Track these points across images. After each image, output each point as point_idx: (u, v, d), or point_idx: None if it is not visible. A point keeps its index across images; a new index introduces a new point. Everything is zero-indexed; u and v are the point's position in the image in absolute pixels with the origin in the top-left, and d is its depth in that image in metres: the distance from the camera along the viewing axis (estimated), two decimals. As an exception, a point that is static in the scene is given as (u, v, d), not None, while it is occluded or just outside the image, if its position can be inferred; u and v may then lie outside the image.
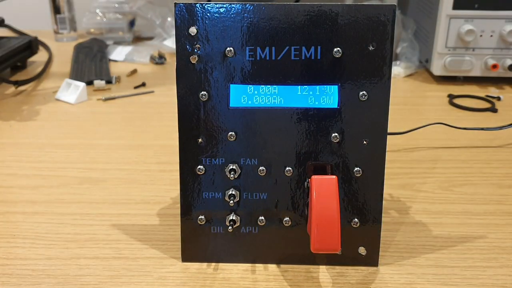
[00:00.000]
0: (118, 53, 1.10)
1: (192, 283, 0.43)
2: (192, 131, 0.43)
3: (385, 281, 0.43)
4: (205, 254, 0.45)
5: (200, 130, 0.43)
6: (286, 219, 0.44)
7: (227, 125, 0.42)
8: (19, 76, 0.96)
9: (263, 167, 0.43)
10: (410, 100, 0.87)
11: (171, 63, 1.06)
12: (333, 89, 0.42)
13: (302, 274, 0.44)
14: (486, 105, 0.84)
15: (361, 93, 0.41)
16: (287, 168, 0.43)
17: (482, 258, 0.46)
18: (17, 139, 0.70)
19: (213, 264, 0.45)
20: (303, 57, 0.41)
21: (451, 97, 0.87)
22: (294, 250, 0.45)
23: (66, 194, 0.56)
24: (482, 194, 0.57)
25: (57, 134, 0.72)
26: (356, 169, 0.43)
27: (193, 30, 0.41)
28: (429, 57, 0.94)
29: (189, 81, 0.42)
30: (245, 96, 0.42)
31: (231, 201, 0.43)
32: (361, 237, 0.44)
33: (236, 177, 0.43)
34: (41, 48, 1.12)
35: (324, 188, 0.40)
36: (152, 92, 0.89)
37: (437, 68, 0.92)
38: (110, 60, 1.07)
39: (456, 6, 0.87)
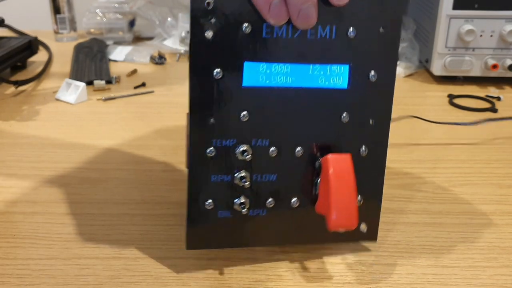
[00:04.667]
0: (118, 53, 1.10)
1: (192, 283, 0.43)
2: (204, 111, 0.41)
3: (385, 281, 0.43)
4: (211, 240, 0.44)
5: (213, 110, 0.41)
6: (294, 200, 0.44)
7: (240, 104, 0.41)
8: (19, 76, 0.96)
9: (274, 148, 0.42)
10: (410, 100, 0.87)
11: (171, 63, 1.06)
12: (344, 69, 0.41)
13: (302, 273, 0.44)
14: (486, 105, 0.84)
15: (371, 74, 0.42)
16: (298, 149, 0.42)
17: (482, 258, 0.46)
18: (17, 139, 0.70)
19: (214, 264, 0.45)
20: (318, 36, 0.40)
21: (451, 97, 0.87)
22: (301, 231, 0.44)
23: (66, 194, 0.56)
24: (482, 194, 0.57)
25: (57, 134, 0.72)
26: (363, 148, 0.43)
27: (209, 3, 0.38)
28: (429, 57, 0.94)
29: (202, 58, 0.39)
30: (259, 74, 0.41)
31: (242, 183, 0.42)
32: (364, 214, 0.44)
33: (247, 158, 0.42)
34: (41, 48, 1.12)
35: (340, 166, 0.40)
36: (152, 92, 0.89)
37: (437, 68, 0.92)
38: (110, 60, 1.07)
39: (456, 6, 0.87)
